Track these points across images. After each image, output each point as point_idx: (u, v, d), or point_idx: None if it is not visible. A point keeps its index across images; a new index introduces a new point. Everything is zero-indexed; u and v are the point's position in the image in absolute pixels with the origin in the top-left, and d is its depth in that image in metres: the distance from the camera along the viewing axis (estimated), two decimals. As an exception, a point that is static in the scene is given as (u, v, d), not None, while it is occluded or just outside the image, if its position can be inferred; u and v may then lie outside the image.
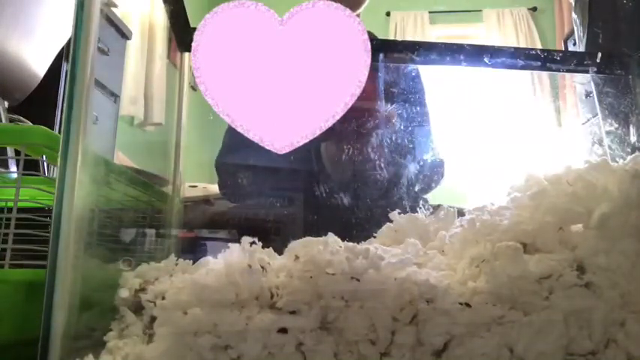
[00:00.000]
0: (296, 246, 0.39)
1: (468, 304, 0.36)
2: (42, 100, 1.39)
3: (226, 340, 0.35)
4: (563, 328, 0.35)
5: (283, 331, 0.35)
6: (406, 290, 0.37)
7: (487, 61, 0.65)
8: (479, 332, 0.35)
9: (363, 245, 0.39)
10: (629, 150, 0.65)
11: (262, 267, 0.38)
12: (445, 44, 0.68)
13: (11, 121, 1.32)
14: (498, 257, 0.37)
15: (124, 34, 1.76)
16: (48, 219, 0.54)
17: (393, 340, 0.36)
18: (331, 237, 0.39)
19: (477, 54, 0.65)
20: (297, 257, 0.38)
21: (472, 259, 0.40)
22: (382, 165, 0.67)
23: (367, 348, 0.36)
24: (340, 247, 0.38)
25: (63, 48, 1.41)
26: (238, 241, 0.40)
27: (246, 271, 0.37)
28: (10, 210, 0.51)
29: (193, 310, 0.36)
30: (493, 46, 0.67)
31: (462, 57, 0.65)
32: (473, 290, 0.37)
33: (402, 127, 0.67)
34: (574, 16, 0.79)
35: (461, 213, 0.52)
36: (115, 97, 1.70)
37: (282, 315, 0.36)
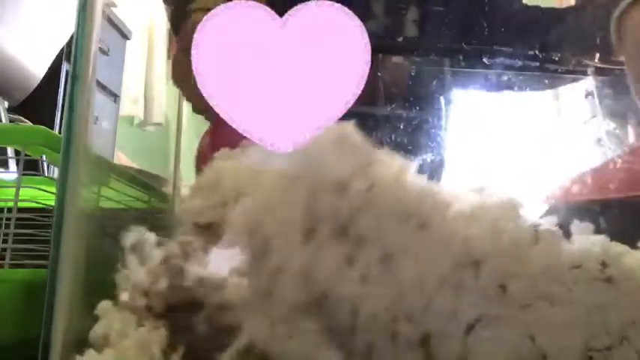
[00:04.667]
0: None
1: (504, 286, 0.34)
2: (42, 100, 1.39)
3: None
4: (586, 322, 0.34)
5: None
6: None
7: (486, 62, 0.65)
8: (508, 317, 0.34)
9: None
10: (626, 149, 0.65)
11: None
12: (444, 45, 0.68)
13: (11, 121, 1.32)
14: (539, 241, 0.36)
15: (124, 34, 1.77)
16: (48, 219, 0.54)
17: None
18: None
19: (475, 55, 0.66)
20: None
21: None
22: None
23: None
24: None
25: (63, 48, 1.41)
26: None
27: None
28: (10, 210, 0.51)
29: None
30: (492, 47, 0.67)
31: (460, 57, 0.65)
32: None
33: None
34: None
35: None
36: (115, 97, 1.70)
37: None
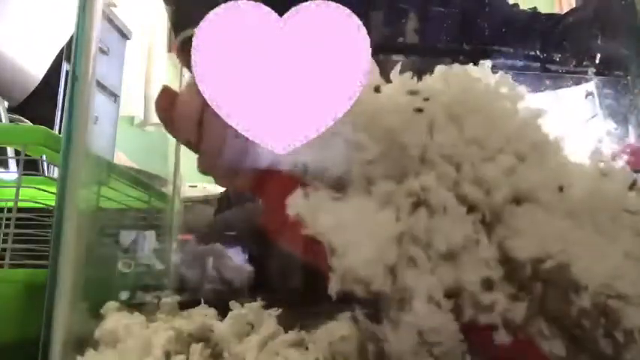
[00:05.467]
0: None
1: None
2: (42, 100, 1.39)
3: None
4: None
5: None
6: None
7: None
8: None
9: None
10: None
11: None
12: (444, 45, 0.68)
13: (11, 121, 1.32)
14: None
15: (124, 34, 1.77)
16: (48, 219, 0.54)
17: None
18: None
19: (476, 55, 0.66)
20: None
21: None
22: None
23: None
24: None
25: (63, 48, 1.41)
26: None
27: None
28: (10, 210, 0.51)
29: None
30: (492, 47, 0.67)
31: (461, 58, 0.65)
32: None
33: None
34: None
35: None
36: (115, 97, 1.70)
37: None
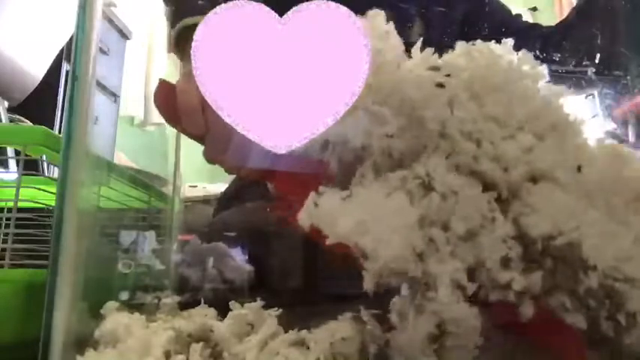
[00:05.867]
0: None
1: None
2: (42, 100, 1.39)
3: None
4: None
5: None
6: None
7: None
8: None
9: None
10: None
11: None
12: (444, 43, 0.68)
13: (11, 121, 1.32)
14: None
15: (124, 34, 1.77)
16: (48, 219, 0.54)
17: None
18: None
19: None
20: None
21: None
22: None
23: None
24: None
25: (63, 48, 1.41)
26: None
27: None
28: (10, 210, 0.51)
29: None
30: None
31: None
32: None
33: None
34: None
35: None
36: (115, 97, 1.70)
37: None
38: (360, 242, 0.33)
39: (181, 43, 0.57)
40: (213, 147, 0.47)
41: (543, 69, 0.41)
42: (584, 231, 0.34)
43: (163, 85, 0.50)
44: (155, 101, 0.50)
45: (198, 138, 0.49)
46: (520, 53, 0.41)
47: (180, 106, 0.47)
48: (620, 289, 0.33)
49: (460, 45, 0.42)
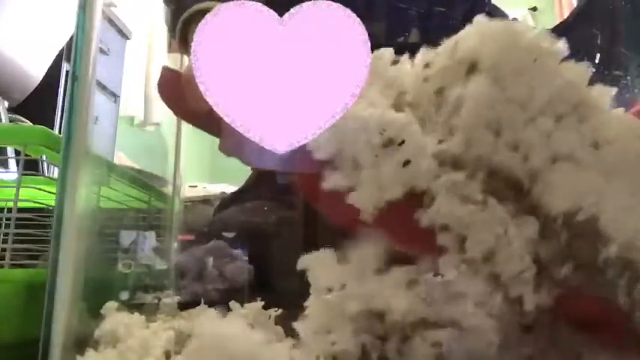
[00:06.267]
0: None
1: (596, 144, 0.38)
2: (42, 100, 1.39)
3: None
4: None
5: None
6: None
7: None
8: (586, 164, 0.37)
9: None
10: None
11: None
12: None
13: (11, 121, 1.32)
14: None
15: (124, 34, 1.77)
16: (48, 219, 0.54)
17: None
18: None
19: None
20: None
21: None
22: None
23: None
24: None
25: (63, 48, 1.41)
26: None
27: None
28: (10, 210, 0.51)
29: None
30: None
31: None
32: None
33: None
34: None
35: None
36: (115, 97, 1.70)
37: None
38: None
39: (192, 28, 0.55)
40: (230, 140, 0.45)
41: (564, 44, 0.39)
42: (603, 206, 0.34)
43: (168, 73, 0.48)
44: (160, 92, 0.48)
45: (208, 130, 0.47)
46: (537, 31, 0.39)
47: (193, 100, 0.45)
48: (638, 262, 0.33)
49: (477, 20, 0.41)
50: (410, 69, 0.41)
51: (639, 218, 0.34)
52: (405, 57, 0.42)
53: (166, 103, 0.48)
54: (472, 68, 0.38)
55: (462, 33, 0.40)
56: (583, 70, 0.40)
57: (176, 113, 0.50)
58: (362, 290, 0.37)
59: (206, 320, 0.39)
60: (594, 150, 0.37)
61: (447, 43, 0.40)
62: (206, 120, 0.42)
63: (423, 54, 0.41)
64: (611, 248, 0.33)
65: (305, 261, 0.39)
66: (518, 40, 0.38)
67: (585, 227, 0.34)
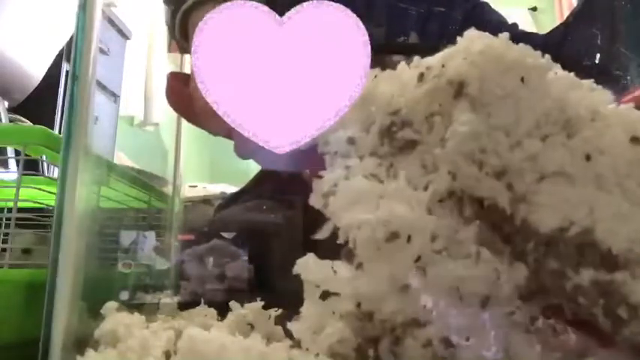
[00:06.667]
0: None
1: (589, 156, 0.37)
2: (42, 100, 1.40)
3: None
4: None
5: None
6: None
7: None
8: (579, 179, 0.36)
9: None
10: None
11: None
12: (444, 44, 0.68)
13: (11, 121, 1.33)
14: None
15: (124, 34, 1.77)
16: (48, 219, 0.54)
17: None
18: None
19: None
20: None
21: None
22: None
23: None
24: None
25: (63, 48, 1.41)
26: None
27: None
28: (10, 210, 0.51)
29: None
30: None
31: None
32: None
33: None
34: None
35: None
36: (115, 97, 1.70)
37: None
38: None
39: (192, 19, 0.54)
40: (244, 142, 0.44)
41: (548, 59, 0.39)
42: (597, 215, 0.34)
43: (175, 78, 0.47)
44: (168, 97, 0.48)
45: (220, 132, 0.46)
46: (519, 47, 0.38)
47: (200, 104, 0.44)
48: (621, 283, 0.33)
49: (465, 37, 0.39)
50: (405, 80, 0.40)
51: (636, 226, 0.34)
52: (403, 65, 0.41)
53: (175, 110, 0.48)
54: (459, 90, 0.37)
55: (451, 50, 0.39)
56: (571, 80, 0.39)
57: (187, 119, 0.49)
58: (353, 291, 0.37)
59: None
60: (586, 162, 0.36)
61: (437, 60, 0.39)
62: (217, 122, 0.41)
63: (416, 66, 0.40)
64: (584, 275, 0.33)
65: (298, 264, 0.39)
66: (502, 61, 0.37)
67: (579, 240, 0.34)
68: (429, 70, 0.38)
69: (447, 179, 0.36)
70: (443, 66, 0.38)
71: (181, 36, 0.59)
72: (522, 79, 0.37)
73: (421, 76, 0.38)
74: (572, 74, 0.39)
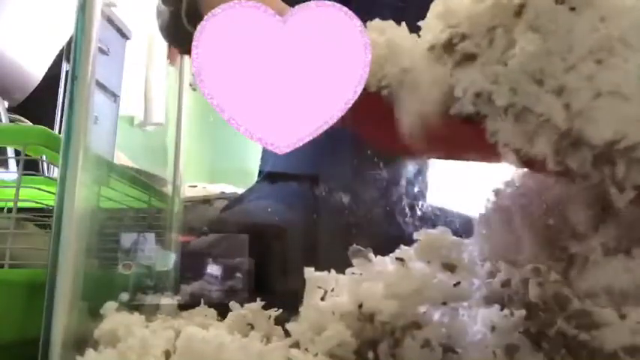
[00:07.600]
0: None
1: None
2: (42, 100, 1.40)
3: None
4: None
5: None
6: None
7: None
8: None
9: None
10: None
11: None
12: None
13: (11, 121, 1.33)
14: None
15: (124, 34, 1.77)
16: (48, 219, 0.54)
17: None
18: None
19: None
20: None
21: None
22: None
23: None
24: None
25: (63, 48, 1.41)
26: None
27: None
28: (10, 210, 0.51)
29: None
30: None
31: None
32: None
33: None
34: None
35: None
36: (115, 97, 1.70)
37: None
38: None
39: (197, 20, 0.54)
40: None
41: None
42: None
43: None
44: None
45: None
46: None
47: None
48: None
49: None
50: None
51: None
52: None
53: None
54: (519, 11, 0.38)
55: None
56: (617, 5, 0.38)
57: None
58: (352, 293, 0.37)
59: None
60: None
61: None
62: None
63: None
64: (574, 304, 0.34)
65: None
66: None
67: (630, 154, 0.35)
68: None
69: (508, 95, 0.37)
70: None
71: (190, 23, 0.58)
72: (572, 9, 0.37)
73: None
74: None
